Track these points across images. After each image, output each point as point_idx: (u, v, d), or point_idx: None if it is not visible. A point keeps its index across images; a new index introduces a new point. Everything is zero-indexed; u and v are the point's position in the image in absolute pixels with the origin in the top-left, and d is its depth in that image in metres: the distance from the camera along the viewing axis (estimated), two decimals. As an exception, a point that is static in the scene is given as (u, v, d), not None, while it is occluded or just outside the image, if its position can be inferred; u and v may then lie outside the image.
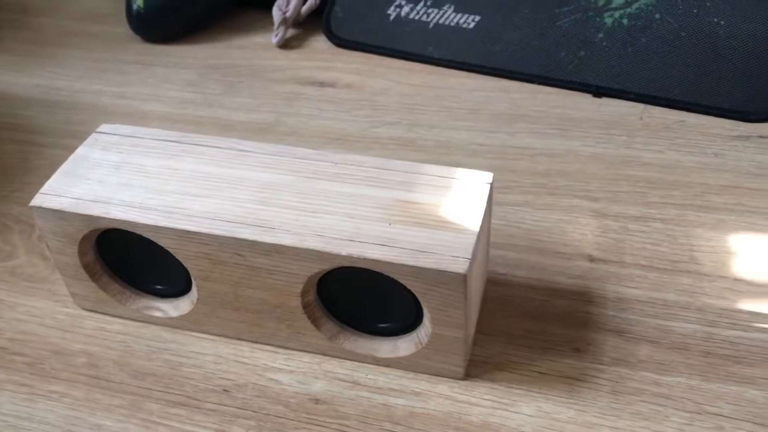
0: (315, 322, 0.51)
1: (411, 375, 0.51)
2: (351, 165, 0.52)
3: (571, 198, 0.64)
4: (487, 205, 0.49)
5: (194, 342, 0.54)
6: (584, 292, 0.56)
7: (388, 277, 0.46)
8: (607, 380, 0.50)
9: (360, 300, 0.51)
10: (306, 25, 0.90)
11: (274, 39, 0.86)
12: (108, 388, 0.52)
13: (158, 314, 0.55)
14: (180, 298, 0.55)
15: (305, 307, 0.50)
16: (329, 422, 0.49)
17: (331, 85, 0.80)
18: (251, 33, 0.90)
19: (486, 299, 0.56)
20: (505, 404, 0.49)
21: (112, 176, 0.52)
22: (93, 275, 0.54)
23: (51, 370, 0.53)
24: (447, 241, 0.45)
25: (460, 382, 0.51)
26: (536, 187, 0.65)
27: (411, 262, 0.44)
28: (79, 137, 0.67)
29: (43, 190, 0.51)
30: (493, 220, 0.62)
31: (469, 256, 0.44)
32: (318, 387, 0.51)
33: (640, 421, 0.48)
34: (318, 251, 0.46)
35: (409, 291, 0.47)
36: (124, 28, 0.91)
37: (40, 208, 0.50)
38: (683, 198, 0.63)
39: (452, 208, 0.48)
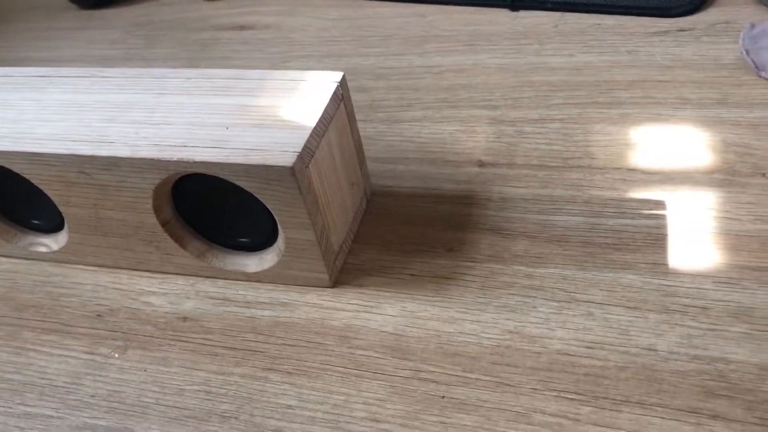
0: (179, 241, 0.50)
1: (282, 288, 0.50)
2: (203, 78, 0.51)
3: (471, 109, 0.62)
4: (331, 103, 0.47)
5: (77, 274, 0.54)
6: (468, 195, 0.54)
7: (239, 189, 0.45)
8: (477, 276, 0.48)
9: (220, 215, 0.50)
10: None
11: (201, -9, 0.86)
12: (-12, 322, 0.52)
13: (43, 249, 0.55)
14: (59, 231, 0.55)
15: (164, 225, 0.49)
16: (194, 337, 0.48)
17: (251, 27, 0.79)
18: (181, -11, 0.90)
19: (368, 211, 0.54)
20: (370, 307, 0.48)
21: None
22: None
23: (-60, 311, 0.54)
24: (279, 138, 0.44)
25: (329, 290, 0.49)
26: (438, 102, 0.63)
27: (241, 160, 0.43)
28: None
29: None
30: (388, 138, 0.60)
31: (299, 150, 0.43)
32: (188, 306, 0.50)
33: (505, 313, 0.45)
34: (150, 159, 0.45)
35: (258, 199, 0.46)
36: (61, 2, 0.92)
37: None
38: (587, 97, 0.60)
39: (291, 108, 0.46)
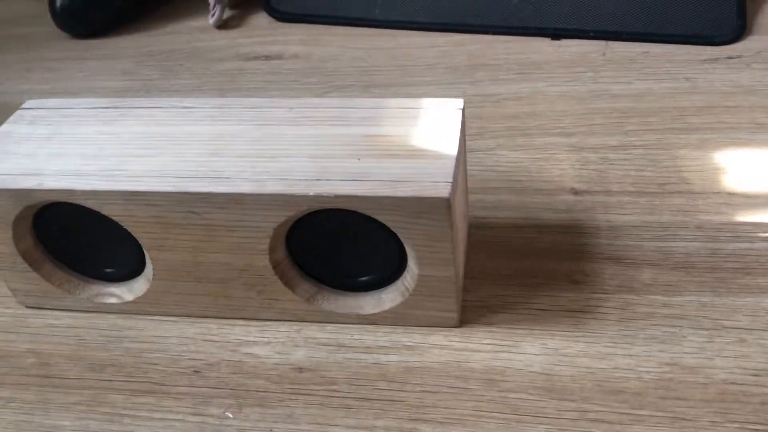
0: (288, 284, 0.46)
1: (401, 330, 0.46)
2: (308, 108, 0.47)
3: (545, 136, 0.60)
4: (461, 132, 0.44)
5: (155, 326, 0.49)
6: (572, 224, 0.52)
7: (364, 222, 0.42)
8: (613, 308, 0.46)
9: (336, 254, 0.46)
10: (243, 4, 0.86)
11: (211, 20, 0.81)
12: (63, 386, 0.45)
13: (112, 300, 0.49)
14: (134, 279, 0.49)
15: (275, 266, 0.45)
16: (316, 390, 0.44)
17: (277, 57, 0.75)
18: (185, 18, 0.85)
19: (470, 244, 0.52)
20: (508, 346, 0.45)
21: (43, 148, 0.46)
22: (33, 264, 0.48)
23: (-6, 376, 0.47)
24: (424, 168, 0.41)
25: (455, 330, 0.46)
26: (507, 130, 0.62)
27: (388, 193, 0.40)
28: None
29: None
30: (467, 167, 0.58)
31: (450, 180, 0.40)
32: (300, 355, 0.46)
33: (655, 344, 0.44)
34: (282, 195, 0.41)
35: (389, 234, 0.42)
36: (49, 27, 0.85)
37: None
38: (661, 123, 0.60)
39: (424, 137, 0.43)
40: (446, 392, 0.43)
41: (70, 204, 0.44)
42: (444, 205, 0.40)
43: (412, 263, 0.44)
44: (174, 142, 0.45)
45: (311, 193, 0.40)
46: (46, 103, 0.51)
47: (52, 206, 0.45)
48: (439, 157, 0.42)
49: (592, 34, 0.71)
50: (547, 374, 0.43)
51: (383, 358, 0.45)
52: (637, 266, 0.48)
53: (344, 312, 0.47)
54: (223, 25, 0.82)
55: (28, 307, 0.51)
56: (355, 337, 0.46)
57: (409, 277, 0.44)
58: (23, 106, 0.50)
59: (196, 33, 0.82)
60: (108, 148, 0.45)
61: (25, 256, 0.48)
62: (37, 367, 0.47)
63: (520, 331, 0.45)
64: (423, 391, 0.43)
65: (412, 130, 0.44)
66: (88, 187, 0.42)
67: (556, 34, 0.72)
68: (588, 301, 0.47)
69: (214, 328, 0.48)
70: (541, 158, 0.58)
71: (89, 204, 0.43)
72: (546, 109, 0.63)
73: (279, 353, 0.46)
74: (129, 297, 0.49)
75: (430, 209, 0.40)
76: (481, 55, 0.71)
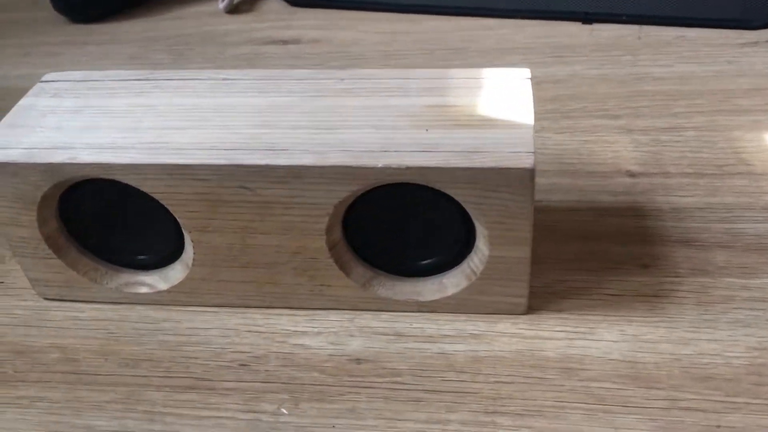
0: (344, 267, 0.42)
1: (463, 317, 0.43)
2: (361, 79, 0.44)
3: (590, 119, 0.58)
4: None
5: (192, 317, 0.45)
6: (633, 207, 0.49)
7: (428, 199, 0.38)
8: (689, 292, 0.43)
9: (395, 235, 0.42)
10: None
11: (221, 4, 0.77)
12: (94, 383, 0.41)
13: (143, 290, 0.45)
14: (169, 266, 0.45)
15: (331, 248, 0.41)
16: (379, 382, 0.40)
17: (295, 41, 0.72)
18: (192, 3, 0.81)
19: (527, 228, 0.48)
20: (582, 333, 0.42)
21: (72, 121, 0.42)
22: (58, 249, 0.44)
23: (15, 374, 0.42)
24: (501, 138, 0.38)
25: (522, 317, 0.43)
26: (549, 113, 0.59)
27: (464, 164, 0.36)
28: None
29: None
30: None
31: (532, 149, 0.37)
32: (356, 345, 0.42)
33: (740, 328, 0.41)
34: (348, 167, 0.37)
35: (456, 211, 0.39)
36: (47, 12, 0.80)
37: None
38: (709, 105, 0.58)
39: (495, 107, 0.40)
40: (522, 383, 0.39)
41: (102, 182, 0.40)
42: (527, 177, 0.36)
43: (481, 243, 0.40)
44: (218, 114, 0.41)
45: (379, 165, 0.37)
46: (68, 75, 0.46)
47: (79, 186, 0.41)
48: (514, 126, 0.39)
49: (624, 17, 0.69)
50: (630, 362, 0.40)
51: (448, 347, 0.41)
52: (708, 249, 0.46)
53: (402, 299, 0.43)
54: (233, 10, 0.78)
55: (47, 299, 0.47)
56: (414, 325, 0.43)
57: (476, 259, 0.41)
58: (42, 79, 0.46)
59: (204, 18, 0.78)
60: (145, 120, 0.41)
61: (48, 241, 0.43)
62: (63, 362, 0.43)
63: (593, 318, 0.42)
64: (497, 382, 0.39)
65: (480, 100, 0.41)
66: (127, 161, 0.38)
67: (588, 18, 0.70)
68: (661, 286, 0.44)
69: (258, 318, 0.44)
70: (590, 140, 0.55)
71: (129, 180, 0.39)
72: (587, 91, 0.61)
73: (332, 344, 0.42)
74: (163, 286, 0.45)
75: (511, 181, 0.37)
76: (510, 39, 0.69)
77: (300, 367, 0.41)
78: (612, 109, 0.58)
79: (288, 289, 0.43)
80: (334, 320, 0.44)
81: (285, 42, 0.72)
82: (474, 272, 0.41)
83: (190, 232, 0.41)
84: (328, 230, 0.40)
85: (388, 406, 0.39)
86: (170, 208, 0.40)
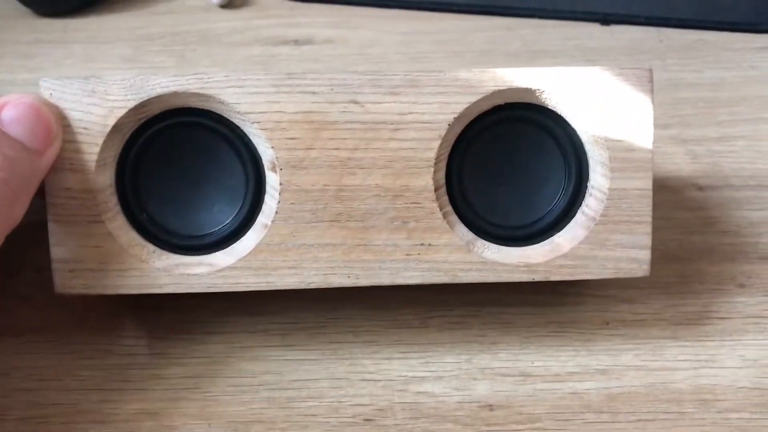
0: (447, 219, 0.39)
1: (584, 351, 0.42)
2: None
3: (640, 128, 0.57)
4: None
5: (293, 368, 0.41)
6: (712, 222, 0.50)
7: (534, 144, 0.40)
8: (798, 311, 0.44)
9: (497, 195, 0.41)
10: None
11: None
12: (206, 454, 0.37)
13: (200, 270, 0.38)
14: (237, 239, 0.39)
15: (437, 190, 0.38)
16: (521, 429, 0.38)
17: (308, 42, 0.67)
18: (178, -5, 0.74)
19: (615, 249, 0.48)
20: (705, 361, 0.41)
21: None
22: (107, 210, 0.38)
23: (106, 448, 0.37)
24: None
25: (644, 347, 0.42)
26: (598, 122, 0.58)
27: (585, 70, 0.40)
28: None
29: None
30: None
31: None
32: (483, 389, 0.40)
33: None
34: (467, 78, 0.38)
35: (566, 150, 0.40)
36: (11, 4, 0.71)
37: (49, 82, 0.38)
38: (749, 113, 0.59)
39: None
40: (664, 419, 0.39)
41: (176, 129, 0.38)
42: (646, 78, 0.39)
43: (598, 175, 0.39)
44: None
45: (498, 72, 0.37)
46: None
47: (151, 125, 0.38)
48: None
49: (642, 19, 0.69)
50: (759, 389, 0.40)
51: (579, 386, 0.40)
52: (799, 265, 0.47)
53: (510, 263, 0.39)
54: (228, 4, 0.72)
55: (65, 293, 0.38)
56: (536, 363, 0.41)
57: (593, 200, 0.39)
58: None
59: (198, 13, 0.71)
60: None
61: (100, 195, 0.37)
62: (157, 430, 0.38)
63: (710, 343, 0.42)
64: (638, 420, 0.39)
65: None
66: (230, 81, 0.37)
67: (606, 20, 0.69)
68: (762, 305, 0.44)
69: (368, 364, 0.41)
70: (648, 152, 0.55)
71: (226, 95, 0.37)
72: (628, 99, 0.60)
73: (457, 390, 0.40)
74: (227, 261, 0.38)
75: (631, 79, 0.39)
76: (536, 40, 0.67)
77: (431, 419, 0.39)
78: (660, 117, 0.58)
79: (381, 255, 0.38)
80: (450, 362, 0.41)
81: (297, 42, 0.67)
82: (592, 217, 0.39)
83: (284, 168, 0.37)
84: (436, 162, 0.38)
85: (538, 456, 0.37)
86: (268, 136, 0.37)
